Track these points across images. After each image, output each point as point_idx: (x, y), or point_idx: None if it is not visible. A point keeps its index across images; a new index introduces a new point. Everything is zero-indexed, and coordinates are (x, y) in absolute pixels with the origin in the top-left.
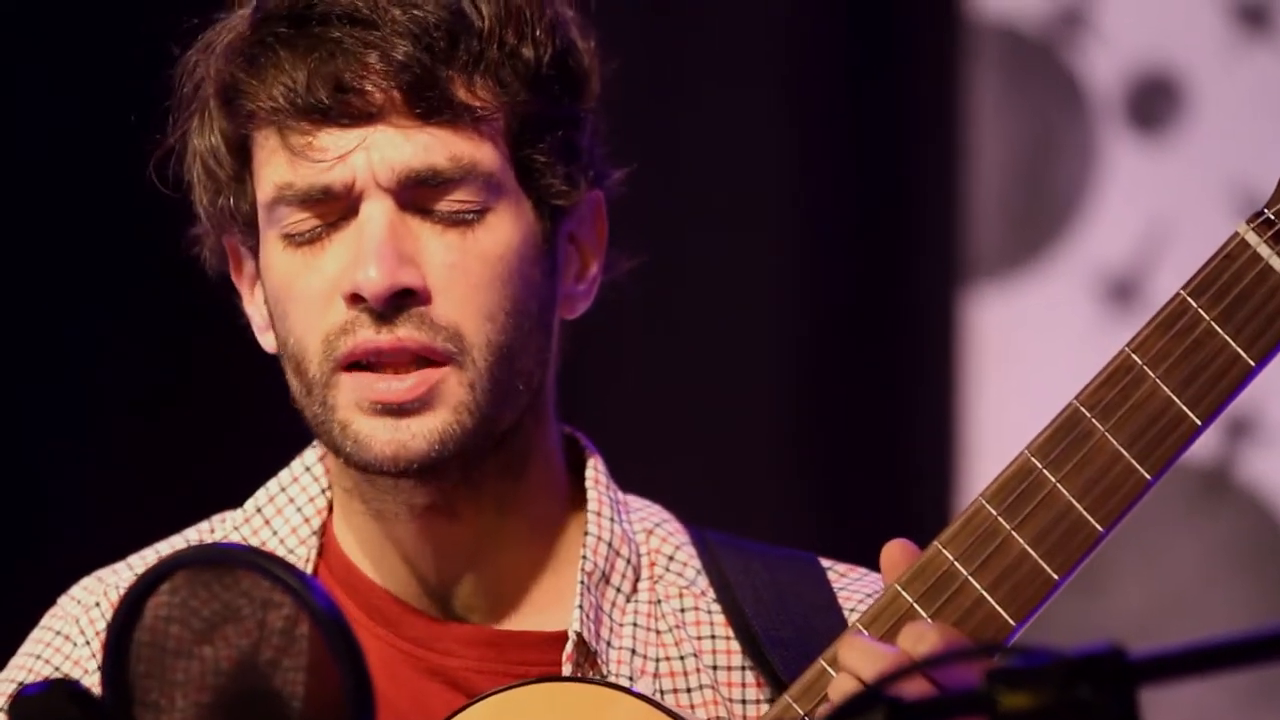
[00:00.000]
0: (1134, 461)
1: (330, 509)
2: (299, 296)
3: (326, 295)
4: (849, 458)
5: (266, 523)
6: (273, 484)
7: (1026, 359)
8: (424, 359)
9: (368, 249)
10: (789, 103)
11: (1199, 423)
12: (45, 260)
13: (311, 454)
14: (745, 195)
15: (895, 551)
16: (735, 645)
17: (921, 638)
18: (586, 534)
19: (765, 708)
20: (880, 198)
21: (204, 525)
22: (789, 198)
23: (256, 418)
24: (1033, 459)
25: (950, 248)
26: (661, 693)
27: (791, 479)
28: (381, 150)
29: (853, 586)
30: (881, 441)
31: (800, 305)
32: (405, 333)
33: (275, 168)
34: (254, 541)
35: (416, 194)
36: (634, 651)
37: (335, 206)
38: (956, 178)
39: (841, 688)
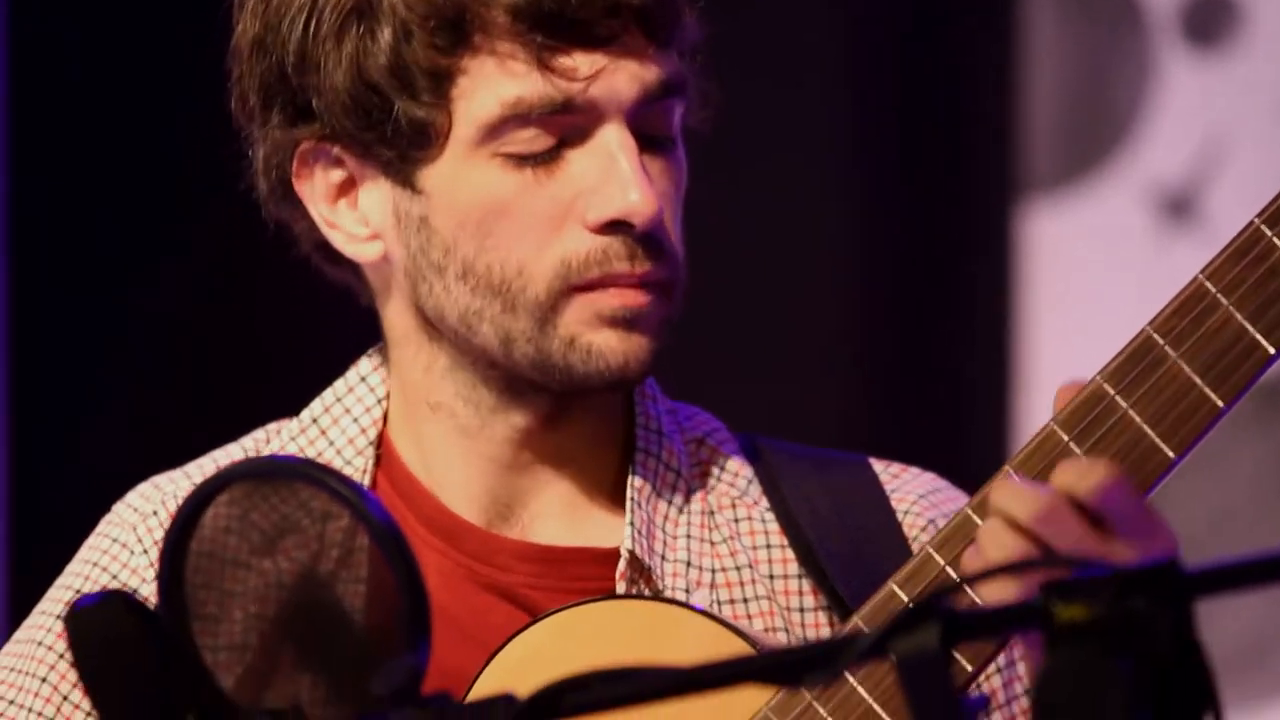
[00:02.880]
0: (1207, 389)
1: (385, 419)
2: (520, 216)
3: (559, 218)
4: (905, 373)
5: (323, 433)
6: (328, 394)
7: (1081, 275)
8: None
9: (628, 175)
10: (844, 21)
11: (1272, 351)
12: (90, 176)
13: (366, 364)
14: (801, 115)
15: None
16: (790, 554)
17: (1084, 474)
18: (637, 448)
19: (822, 616)
20: (936, 114)
21: (259, 434)
22: (845, 117)
23: (312, 324)
24: (1105, 385)
25: (1006, 164)
26: (718, 604)
27: (846, 395)
28: (629, 71)
29: (905, 487)
30: (937, 357)
31: (857, 223)
32: (654, 259)
33: (506, 84)
34: (310, 453)
35: (642, 119)
36: (689, 564)
37: (571, 127)
38: (1012, 94)
39: (992, 532)
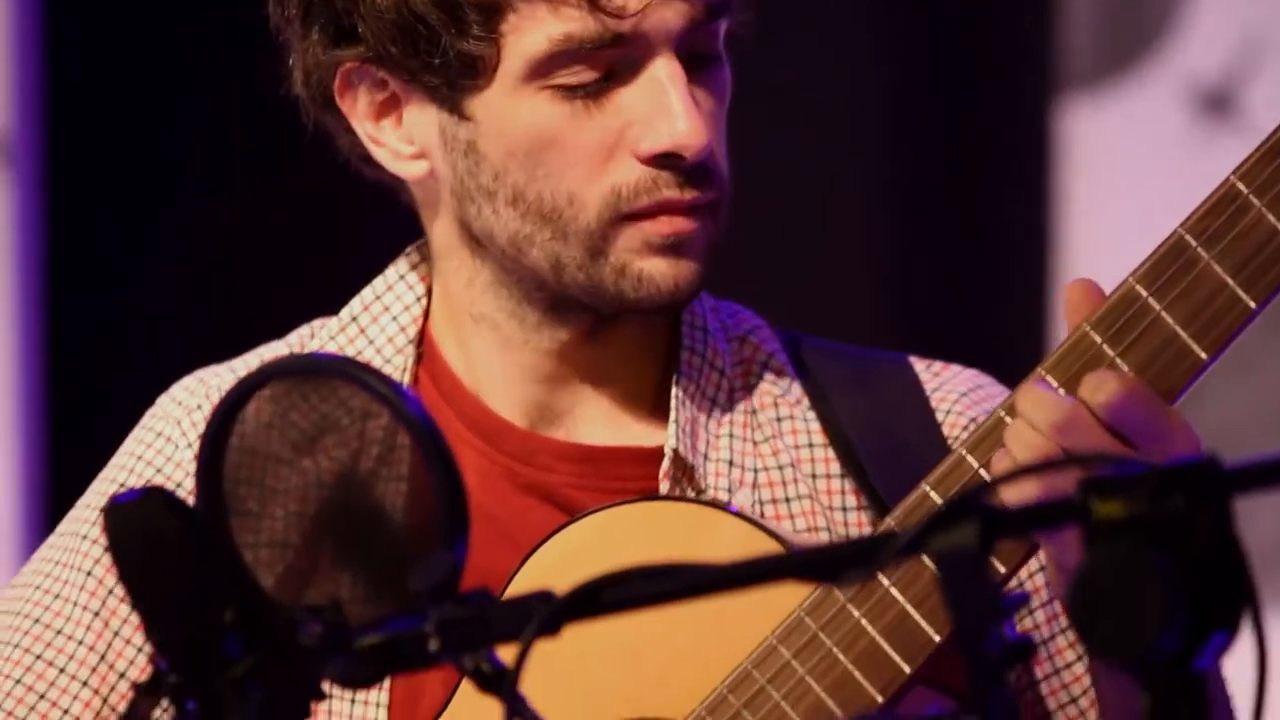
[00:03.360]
0: (1239, 290)
1: (426, 316)
2: (570, 147)
3: (609, 147)
4: (943, 271)
5: (362, 331)
6: (367, 293)
7: (1119, 172)
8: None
9: (678, 108)
10: None
11: None
12: (129, 79)
13: (404, 263)
14: (835, 14)
15: (1078, 291)
16: (832, 454)
17: (1101, 385)
18: (681, 347)
19: (863, 515)
20: (974, 11)
21: (304, 330)
22: (881, 14)
23: (355, 219)
24: (1137, 286)
25: (1044, 61)
26: (760, 504)
27: (884, 294)
28: (676, 4)
29: (946, 386)
30: (975, 256)
31: (894, 122)
32: (703, 185)
33: (555, 21)
34: (349, 351)
35: (689, 42)
36: (731, 463)
37: (620, 59)
38: None
39: (1018, 434)
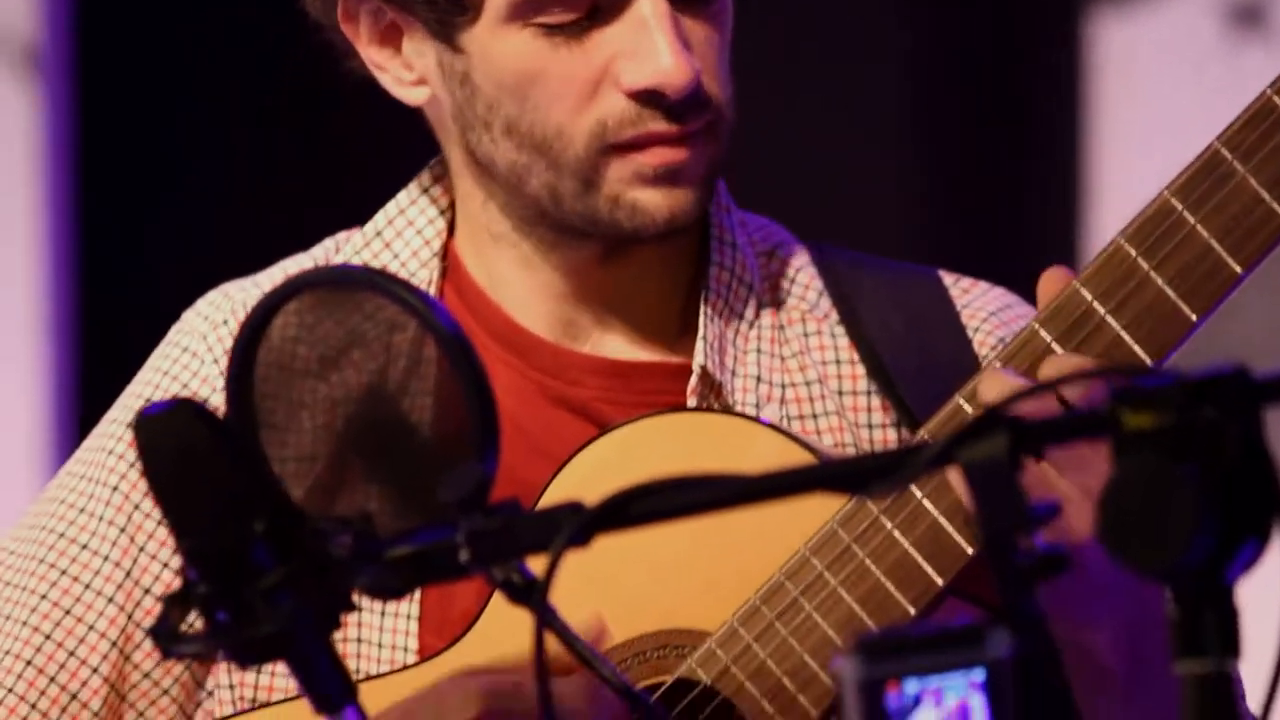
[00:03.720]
0: (1274, 204)
1: (451, 230)
2: (555, 81)
3: (593, 82)
4: (972, 183)
5: (387, 245)
6: (391, 206)
7: (1150, 84)
8: (694, 131)
9: (661, 44)
10: None
11: None
12: None
13: (428, 175)
14: None
15: (1054, 281)
16: (860, 369)
17: (1059, 368)
18: (710, 262)
19: (891, 432)
20: None
21: (328, 243)
22: None
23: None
24: (1172, 199)
25: None
26: (787, 419)
27: (911, 206)
28: None
29: (976, 303)
30: (1004, 167)
31: (922, 30)
32: (693, 114)
33: None
34: (375, 264)
35: None
36: (759, 379)
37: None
38: None
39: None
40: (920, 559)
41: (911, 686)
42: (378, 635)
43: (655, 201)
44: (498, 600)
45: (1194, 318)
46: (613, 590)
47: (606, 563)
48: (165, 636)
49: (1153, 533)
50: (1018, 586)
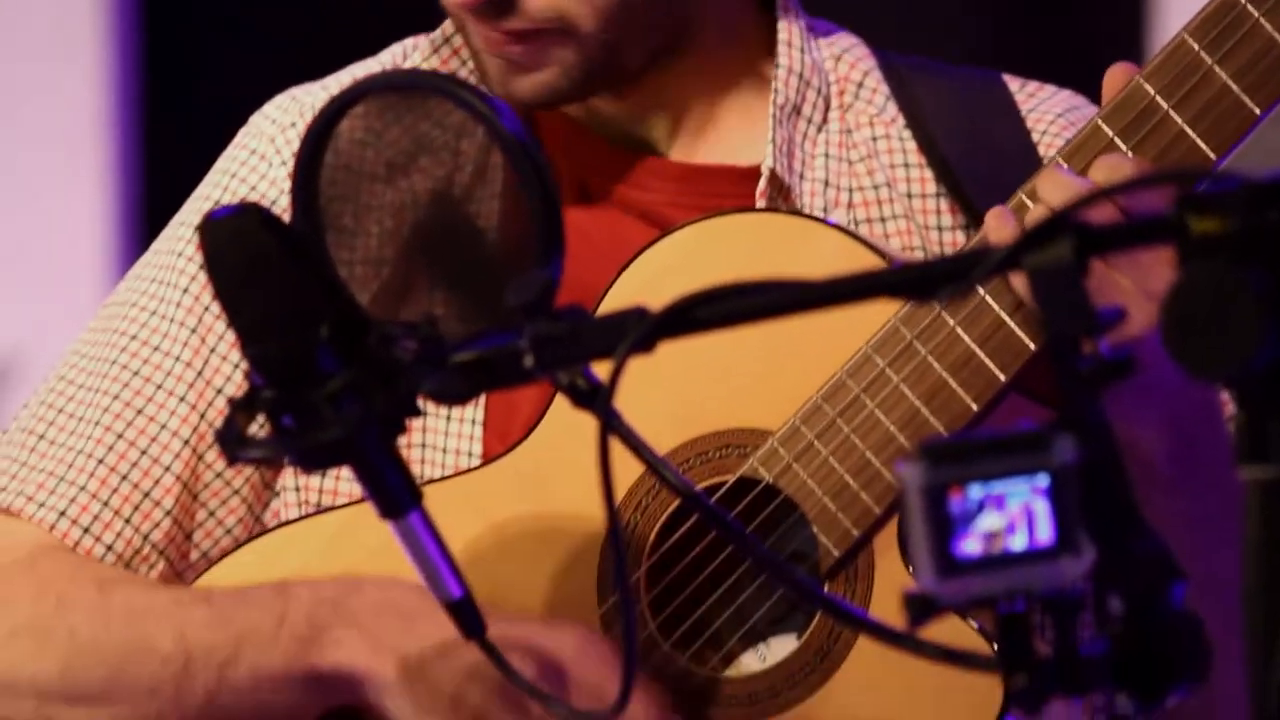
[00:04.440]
0: None
1: None
2: None
3: None
4: None
5: (455, 52)
6: None
7: None
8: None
9: None
10: None
11: None
12: None
13: None
14: None
15: (1118, 76)
16: (928, 173)
17: (1116, 169)
18: (777, 65)
19: (959, 235)
20: None
21: (396, 49)
22: None
23: None
24: (1189, 41)
25: None
26: (855, 223)
27: (979, 13)
28: None
29: (1042, 107)
30: None
31: None
32: (505, 20)
33: None
34: (443, 70)
35: None
36: (827, 183)
37: None
38: None
39: (1039, 220)
40: (983, 355)
41: (975, 491)
42: (442, 440)
43: (494, 76)
44: (559, 404)
45: (1258, 111)
46: (675, 391)
47: (669, 364)
48: (231, 441)
49: (1218, 337)
50: (1082, 392)
